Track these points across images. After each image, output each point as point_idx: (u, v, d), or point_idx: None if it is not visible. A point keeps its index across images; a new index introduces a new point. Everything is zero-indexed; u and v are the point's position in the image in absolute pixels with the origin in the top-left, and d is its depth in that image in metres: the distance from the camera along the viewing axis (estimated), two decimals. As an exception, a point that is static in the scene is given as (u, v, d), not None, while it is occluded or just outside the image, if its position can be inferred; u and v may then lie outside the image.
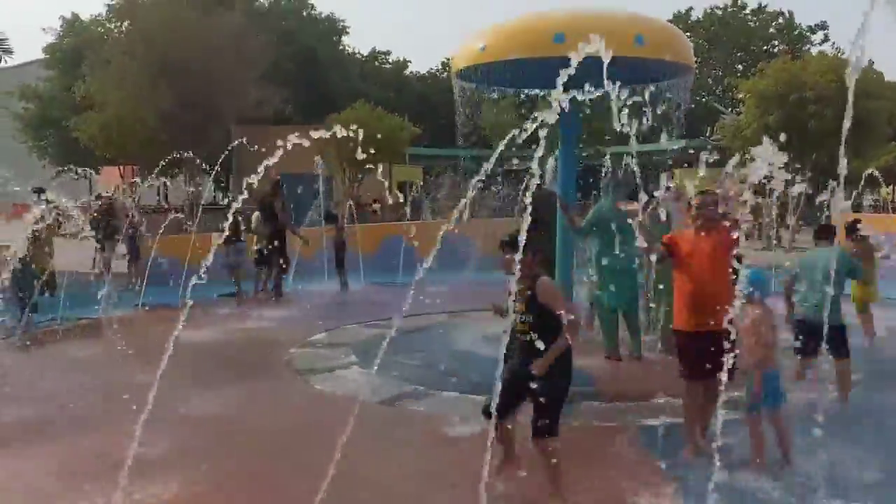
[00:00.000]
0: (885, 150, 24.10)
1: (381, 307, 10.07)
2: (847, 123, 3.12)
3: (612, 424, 5.87)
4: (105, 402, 6.40)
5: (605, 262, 7.60)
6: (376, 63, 46.00)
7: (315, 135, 3.74)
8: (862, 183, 15.46)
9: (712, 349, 4.29)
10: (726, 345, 3.86)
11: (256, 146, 7.48)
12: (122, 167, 29.94)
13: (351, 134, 4.19)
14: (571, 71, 3.33)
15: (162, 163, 11.60)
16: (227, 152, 12.98)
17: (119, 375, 7.01)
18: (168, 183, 26.91)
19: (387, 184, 20.57)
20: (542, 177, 9.37)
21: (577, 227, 7.76)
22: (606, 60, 3.47)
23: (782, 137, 3.71)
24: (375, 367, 6.46)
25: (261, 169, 3.63)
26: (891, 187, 25.79)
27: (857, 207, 18.73)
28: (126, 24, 24.38)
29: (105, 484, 4.38)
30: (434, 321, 9.38)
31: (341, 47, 42.95)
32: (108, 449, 4.98)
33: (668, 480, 4.58)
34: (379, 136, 21.25)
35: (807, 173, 20.07)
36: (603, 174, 9.69)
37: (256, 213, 12.15)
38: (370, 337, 8.82)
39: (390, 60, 46.88)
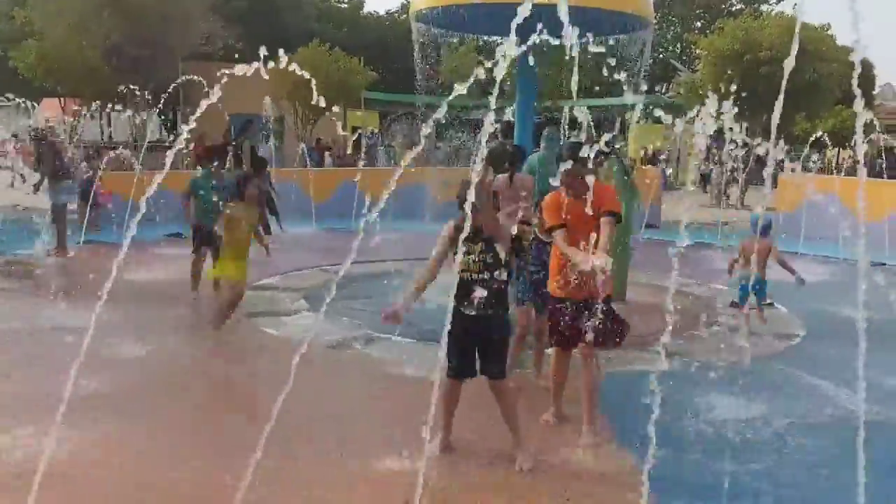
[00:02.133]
0: (834, 113, 24.59)
1: (334, 253, 9.98)
2: (782, 86, 3.10)
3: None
4: (40, 343, 6.22)
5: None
6: (332, 1, 44.77)
7: (253, 66, 3.55)
8: (809, 145, 15.76)
9: (586, 316, 4.34)
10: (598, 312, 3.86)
11: (204, 82, 7.19)
12: (62, 99, 28.77)
13: (301, 73, 4.02)
14: (524, 15, 3.22)
15: (107, 96, 11.10)
16: (173, 87, 12.37)
17: (57, 317, 6.78)
18: (110, 118, 25.99)
19: (340, 126, 20.19)
20: (498, 130, 9.32)
21: None
22: (564, 6, 3.36)
23: (728, 105, 3.66)
24: (324, 312, 6.40)
25: (203, 105, 3.46)
26: (837, 150, 26.40)
27: (804, 168, 19.11)
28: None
29: (34, 424, 4.31)
30: (387, 269, 9.35)
31: (295, -16, 41.61)
32: (38, 390, 4.86)
33: (613, 429, 4.68)
34: (330, 79, 20.79)
35: (757, 133, 20.39)
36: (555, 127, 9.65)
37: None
38: (321, 282, 8.77)
39: (346, 0, 45.68)
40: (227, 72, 3.54)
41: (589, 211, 4.35)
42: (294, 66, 4.01)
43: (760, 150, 3.31)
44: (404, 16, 8.18)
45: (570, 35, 3.48)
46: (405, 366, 5.91)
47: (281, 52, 3.73)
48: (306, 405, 4.64)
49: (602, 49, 3.81)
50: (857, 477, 2.70)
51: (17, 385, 5.31)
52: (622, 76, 4.25)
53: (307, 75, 4.05)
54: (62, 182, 10.42)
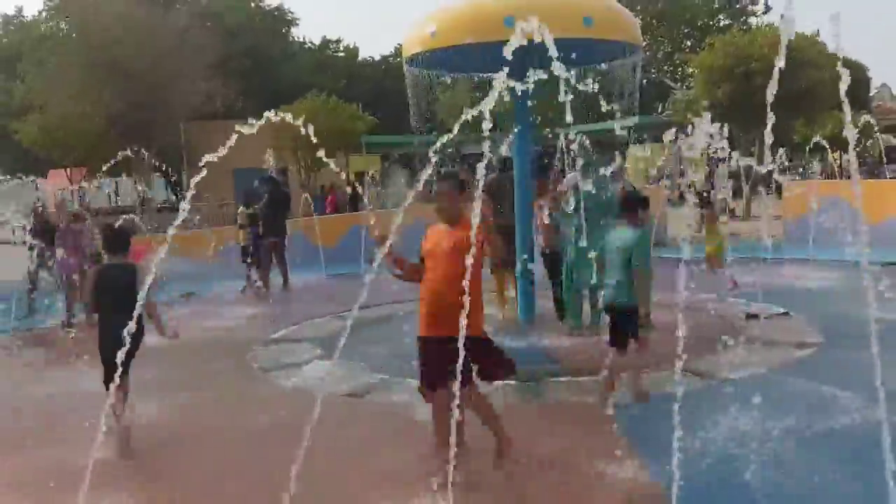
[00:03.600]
0: (832, 117, 24.65)
1: (344, 299, 10.00)
2: (771, 92, 3.15)
3: (580, 399, 5.94)
4: (61, 411, 6.23)
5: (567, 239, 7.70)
6: (328, 52, 45.58)
7: (252, 124, 3.64)
8: (808, 151, 15.80)
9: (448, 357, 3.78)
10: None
11: (207, 141, 7.35)
12: (69, 170, 29.23)
13: (297, 123, 4.10)
14: (509, 55, 3.29)
15: (110, 163, 11.25)
16: (175, 149, 12.61)
17: (77, 383, 6.82)
18: (116, 183, 26.37)
19: (343, 174, 20.40)
20: (492, 162, 9.41)
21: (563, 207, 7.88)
22: (549, 41, 3.43)
23: (716, 126, 3.71)
24: (339, 359, 6.43)
25: (204, 161, 3.53)
26: (837, 153, 26.40)
27: (804, 174, 19.13)
28: (66, 20, 23.73)
29: (60, 497, 4.27)
30: (399, 310, 9.35)
31: (291, 39, 42.53)
32: (63, 460, 4.85)
33: (638, 452, 4.64)
34: (329, 127, 21.05)
35: (755, 144, 20.46)
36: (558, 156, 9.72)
37: (241, 209, 12.09)
38: (334, 330, 8.77)
39: (342, 48, 46.47)
40: (239, 129, 3.61)
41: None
42: (290, 119, 4.12)
43: (754, 164, 3.34)
44: (398, 59, 8.37)
45: (562, 71, 3.57)
46: (419, 408, 5.87)
47: (273, 111, 3.85)
48: (327, 456, 4.63)
49: (588, 87, 3.89)
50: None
51: (32, 456, 5.31)
52: (615, 106, 4.32)
53: (303, 128, 4.13)
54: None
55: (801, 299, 9.09)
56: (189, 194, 3.81)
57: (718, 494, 4.05)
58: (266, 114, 3.95)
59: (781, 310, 8.39)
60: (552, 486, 4.33)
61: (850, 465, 4.23)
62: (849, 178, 15.59)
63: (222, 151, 3.52)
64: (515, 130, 8.44)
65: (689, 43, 44.83)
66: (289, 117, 4.15)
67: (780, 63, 3.04)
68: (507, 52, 3.26)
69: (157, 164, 15.48)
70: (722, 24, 43.61)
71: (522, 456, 4.72)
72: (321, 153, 4.63)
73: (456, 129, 3.36)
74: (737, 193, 21.72)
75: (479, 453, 4.67)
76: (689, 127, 4.19)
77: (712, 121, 3.93)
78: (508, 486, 4.35)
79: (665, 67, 46.43)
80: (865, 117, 12.76)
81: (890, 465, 2.81)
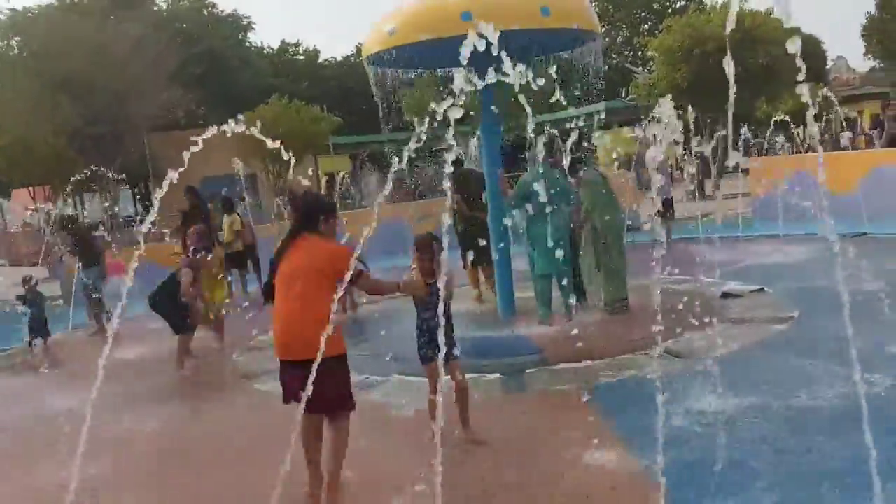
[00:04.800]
0: (794, 93, 24.98)
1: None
2: (728, 65, 3.18)
3: (563, 388, 5.95)
4: (45, 430, 6.12)
5: (535, 228, 7.71)
6: (287, 55, 45.23)
7: (211, 133, 3.59)
8: (771, 127, 16.00)
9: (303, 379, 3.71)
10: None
11: (171, 151, 7.26)
12: (32, 189, 28.70)
13: (253, 132, 4.06)
14: (465, 58, 3.27)
15: (73, 180, 11.05)
16: (140, 161, 12.41)
17: (58, 402, 6.74)
18: (83, 199, 25.95)
19: (311, 172, 20.24)
20: (459, 157, 9.44)
21: (509, 199, 7.88)
22: (494, 39, 3.41)
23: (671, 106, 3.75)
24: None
25: (169, 176, 3.47)
26: (801, 127, 26.76)
27: (770, 150, 19.40)
28: (16, 39, 23.25)
29: None
30: (378, 309, 9.34)
31: (248, 44, 42.17)
32: (52, 479, 4.78)
33: (622, 437, 4.66)
34: (294, 130, 20.90)
35: (718, 124, 20.68)
36: (527, 146, 9.73)
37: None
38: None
39: (301, 52, 46.15)
40: (197, 139, 3.56)
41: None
42: (252, 130, 4.08)
43: (699, 148, 3.37)
44: (360, 59, 8.33)
45: (510, 66, 3.54)
46: (405, 408, 5.87)
47: (239, 116, 3.80)
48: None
49: (543, 80, 3.89)
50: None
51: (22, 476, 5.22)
52: (576, 93, 4.33)
53: (264, 137, 4.08)
54: (94, 267, 10.72)
55: (774, 275, 9.22)
56: (154, 209, 3.74)
57: (702, 474, 4.08)
58: (226, 125, 3.90)
59: (756, 286, 8.50)
60: (535, 472, 4.33)
61: (833, 437, 4.27)
62: (811, 151, 15.85)
63: (184, 160, 3.46)
64: (482, 125, 8.46)
65: (646, 27, 45.22)
66: (254, 129, 4.11)
67: (731, 25, 3.05)
68: (465, 54, 3.23)
69: (122, 178, 15.22)
70: (678, 5, 44.01)
71: (504, 444, 4.75)
72: (286, 153, 4.58)
73: (424, 127, 3.34)
74: (705, 173, 21.98)
75: (460, 445, 4.69)
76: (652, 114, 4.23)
77: (675, 104, 3.96)
78: (493, 475, 4.35)
79: (626, 52, 46.80)
80: (823, 91, 12.96)
81: (870, 434, 2.85)
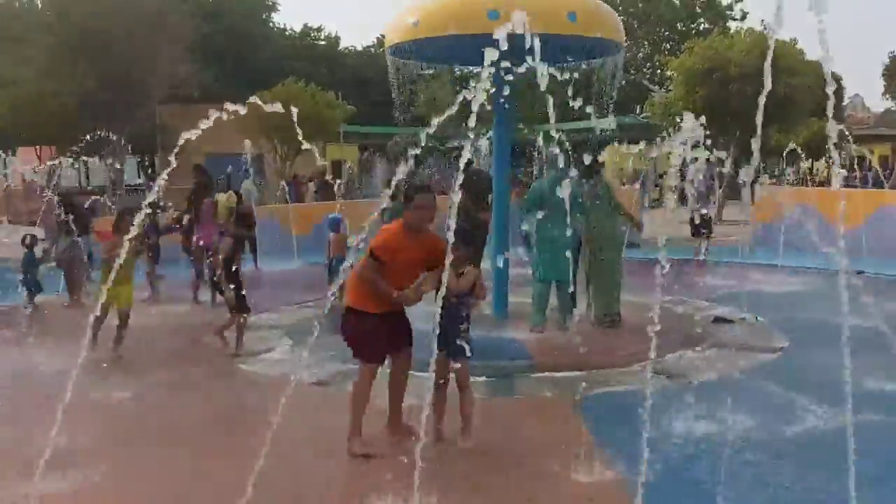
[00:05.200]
0: (808, 125, 24.95)
1: (316, 288, 9.94)
2: (763, 99, 3.17)
3: (547, 396, 5.98)
4: (26, 392, 6.16)
5: (544, 233, 7.71)
6: (309, 39, 45.20)
7: (231, 108, 3.59)
8: (783, 157, 15.98)
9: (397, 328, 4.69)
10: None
11: (182, 124, 7.21)
12: (39, 148, 28.68)
13: (274, 109, 4.05)
14: (495, 52, 3.27)
15: (80, 144, 11.01)
16: (150, 132, 12.37)
17: (44, 364, 6.72)
18: (87, 164, 25.91)
19: (321, 161, 20.16)
20: (470, 158, 9.42)
21: (522, 203, 7.91)
22: (529, 37, 3.42)
23: (702, 119, 3.74)
24: (308, 348, 6.37)
25: (178, 147, 3.47)
26: (810, 161, 26.75)
27: (779, 180, 19.38)
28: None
29: (20, 476, 4.20)
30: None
31: (271, 24, 42.15)
32: (25, 440, 4.78)
33: (603, 449, 4.65)
34: (307, 114, 20.84)
35: (731, 150, 20.64)
36: (536, 152, 9.77)
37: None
38: (304, 318, 8.73)
39: (323, 37, 46.12)
40: (214, 113, 3.55)
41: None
42: (272, 106, 4.07)
43: (726, 168, 3.37)
44: (381, 49, 8.30)
45: (541, 68, 3.56)
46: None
47: (252, 97, 3.79)
48: (294, 443, 4.61)
49: (568, 77, 3.90)
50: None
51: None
52: (591, 106, 4.34)
53: (287, 111, 4.08)
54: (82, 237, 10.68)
55: (769, 304, 9.22)
56: (159, 182, 3.75)
57: (680, 493, 4.09)
58: (250, 99, 3.90)
59: (749, 314, 8.49)
60: (517, 480, 4.34)
61: (814, 468, 4.29)
62: (819, 184, 15.83)
63: (193, 135, 3.45)
64: (494, 125, 8.45)
65: (668, 46, 45.18)
66: (277, 106, 4.09)
67: (768, 66, 3.04)
68: (501, 39, 3.22)
69: (131, 146, 15.22)
70: (702, 27, 43.96)
71: (492, 450, 4.75)
72: (303, 141, 4.60)
73: (439, 121, 3.34)
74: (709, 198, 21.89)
75: (442, 448, 4.69)
76: (667, 132, 4.21)
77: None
78: (476, 480, 4.35)
79: (644, 69, 46.73)
80: (839, 127, 12.94)
81: (853, 468, 2.84)
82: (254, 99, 3.92)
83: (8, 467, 4.54)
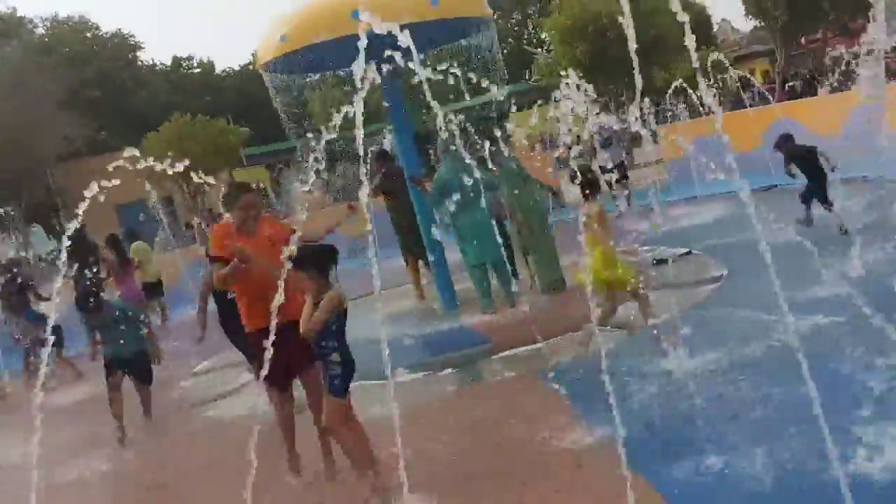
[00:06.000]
0: (684, 61, 25.77)
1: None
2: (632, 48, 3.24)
3: (516, 373, 6.03)
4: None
5: (461, 220, 7.69)
6: (182, 69, 43.91)
7: (126, 158, 3.45)
8: (670, 94, 16.42)
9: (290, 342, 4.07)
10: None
11: (78, 181, 6.89)
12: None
13: (150, 163, 3.89)
14: (361, 50, 3.23)
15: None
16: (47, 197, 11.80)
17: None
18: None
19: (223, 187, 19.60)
20: (381, 153, 9.33)
21: (430, 197, 7.84)
22: (399, 30, 3.36)
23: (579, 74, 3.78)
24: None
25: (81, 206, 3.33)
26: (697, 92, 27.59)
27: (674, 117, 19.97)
28: None
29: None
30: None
31: (140, 62, 40.82)
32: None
33: (581, 415, 4.70)
34: (202, 147, 20.29)
35: (622, 96, 21.20)
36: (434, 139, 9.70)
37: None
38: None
39: (196, 64, 44.87)
40: (114, 166, 3.41)
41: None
42: (164, 164, 3.91)
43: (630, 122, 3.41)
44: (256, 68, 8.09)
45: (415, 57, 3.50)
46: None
47: (136, 144, 3.62)
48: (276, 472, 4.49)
49: (446, 67, 3.87)
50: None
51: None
52: (484, 80, 4.34)
53: (170, 167, 3.91)
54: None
55: (699, 236, 9.46)
56: (63, 245, 3.55)
57: (664, 440, 4.15)
58: (127, 154, 3.74)
59: (684, 250, 8.69)
60: (500, 459, 4.38)
61: (779, 386, 4.42)
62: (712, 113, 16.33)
63: (93, 191, 3.32)
64: (392, 122, 8.39)
65: (535, 9, 45.66)
66: (153, 161, 3.93)
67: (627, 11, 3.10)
68: (359, 54, 3.17)
69: (31, 217, 14.49)
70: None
71: (467, 433, 4.76)
72: (205, 180, 4.43)
73: (330, 129, 3.27)
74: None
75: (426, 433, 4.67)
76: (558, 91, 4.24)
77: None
78: (464, 469, 4.37)
79: (522, 37, 47.30)
80: (714, 55, 13.40)
81: (806, 378, 2.92)
82: (134, 150, 3.77)
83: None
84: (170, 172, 3.93)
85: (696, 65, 3.05)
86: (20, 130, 20.52)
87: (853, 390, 4.02)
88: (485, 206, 7.54)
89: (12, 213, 13.74)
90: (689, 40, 2.97)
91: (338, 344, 4.11)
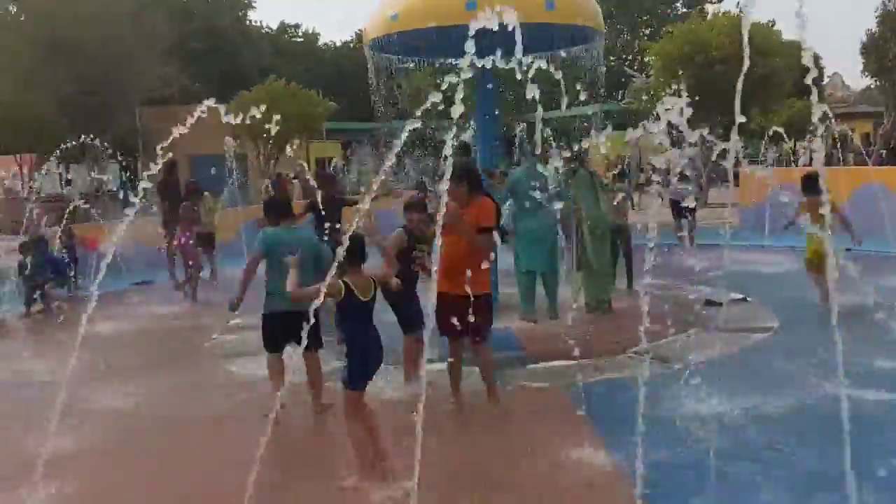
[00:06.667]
0: (787, 105, 25.08)
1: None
2: (741, 79, 3.15)
3: (543, 385, 5.97)
4: (17, 398, 6.15)
5: (523, 223, 7.68)
6: (286, 37, 44.93)
7: (212, 106, 3.56)
8: (766, 138, 16.02)
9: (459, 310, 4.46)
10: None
11: (164, 126, 7.14)
12: (19, 156, 28.35)
13: (258, 115, 4.01)
14: (471, 44, 3.25)
15: (58, 152, 10.86)
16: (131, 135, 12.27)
17: (31, 370, 6.72)
18: (68, 170, 25.68)
19: (303, 163, 20.00)
20: (462, 146, 9.39)
21: (499, 193, 7.85)
22: (513, 27, 3.39)
23: (685, 102, 3.71)
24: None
25: (159, 151, 3.45)
26: (792, 141, 26.85)
27: (761, 162, 19.47)
28: (15, 4, 22.98)
29: (15, 482, 4.18)
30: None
31: (248, 23, 41.89)
32: (19, 446, 4.77)
33: (601, 436, 4.67)
34: (290, 113, 20.72)
35: (718, 132, 20.71)
36: (517, 141, 9.74)
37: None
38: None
39: (300, 33, 45.86)
40: (197, 113, 3.52)
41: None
42: (255, 110, 4.03)
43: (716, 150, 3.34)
44: (360, 45, 8.24)
45: (521, 55, 3.53)
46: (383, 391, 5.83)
47: (233, 98, 3.74)
48: (292, 442, 4.60)
49: (552, 68, 3.87)
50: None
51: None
52: (579, 90, 4.34)
53: (268, 123, 4.03)
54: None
55: (758, 285, 9.25)
56: (140, 187, 3.70)
57: (679, 474, 4.09)
58: (230, 103, 3.87)
59: (739, 295, 8.52)
60: (512, 469, 4.34)
61: (810, 443, 4.31)
62: (803, 165, 15.87)
63: (174, 136, 3.43)
64: (478, 117, 8.42)
65: (647, 31, 45.21)
66: (258, 111, 4.05)
67: (745, 44, 3.02)
68: (471, 39, 3.20)
69: (112, 151, 15.07)
70: (680, 11, 44.03)
71: (489, 441, 4.74)
72: (285, 143, 4.54)
73: (418, 121, 3.32)
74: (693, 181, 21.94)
75: (444, 436, 4.69)
76: (652, 117, 4.17)
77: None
78: (476, 471, 4.36)
79: (624, 56, 46.77)
80: (821, 107, 12.95)
81: (847, 440, 2.84)
82: (233, 103, 3.89)
83: (7, 469, 4.52)
84: (267, 126, 4.02)
85: (817, 113, 2.95)
86: (119, 68, 21.28)
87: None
88: (550, 215, 7.50)
89: (97, 144, 14.26)
90: (810, 80, 2.85)
91: (345, 334, 4.35)
